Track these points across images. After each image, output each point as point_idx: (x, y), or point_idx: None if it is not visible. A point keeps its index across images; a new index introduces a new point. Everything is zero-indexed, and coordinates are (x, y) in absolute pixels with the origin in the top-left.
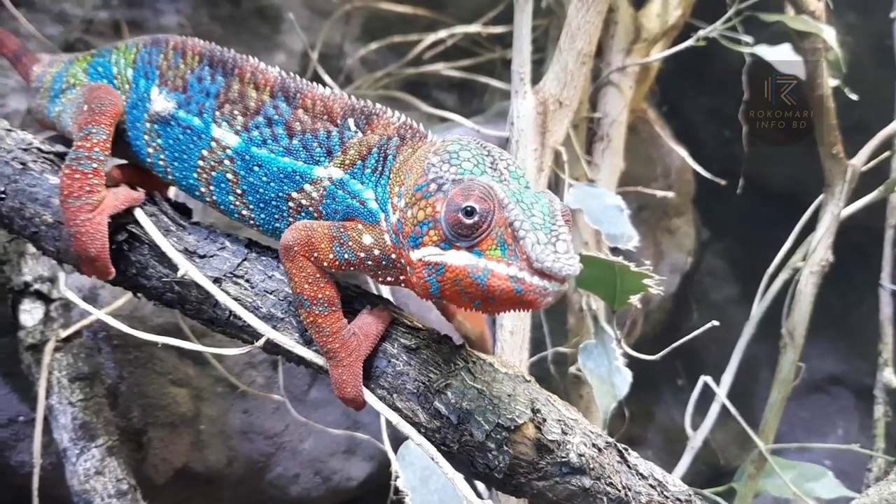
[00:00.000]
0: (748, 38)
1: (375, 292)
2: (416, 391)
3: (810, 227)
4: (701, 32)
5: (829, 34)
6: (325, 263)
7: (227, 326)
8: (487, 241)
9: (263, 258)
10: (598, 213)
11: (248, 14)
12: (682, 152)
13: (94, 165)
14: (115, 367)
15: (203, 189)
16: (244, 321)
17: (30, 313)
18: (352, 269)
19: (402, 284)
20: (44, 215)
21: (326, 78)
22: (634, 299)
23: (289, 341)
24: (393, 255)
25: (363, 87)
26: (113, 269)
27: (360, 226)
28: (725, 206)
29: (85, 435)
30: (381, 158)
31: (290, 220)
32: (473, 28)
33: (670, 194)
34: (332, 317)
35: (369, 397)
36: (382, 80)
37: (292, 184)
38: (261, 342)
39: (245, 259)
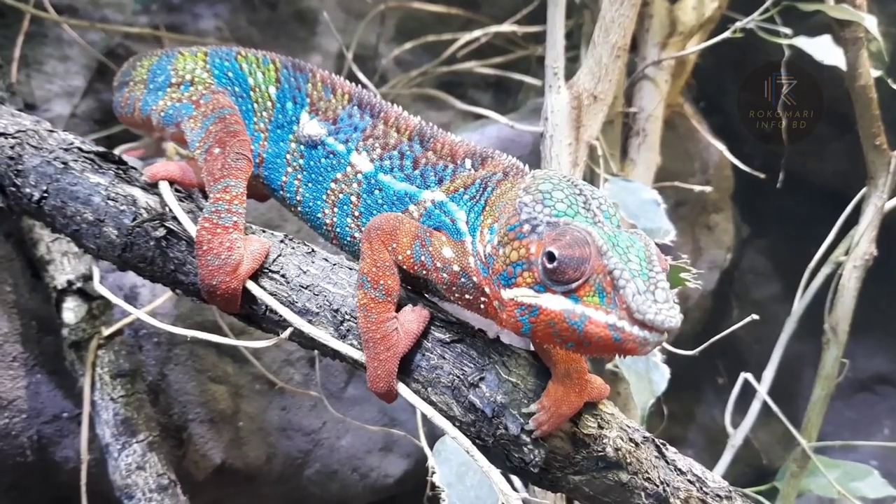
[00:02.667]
0: (787, 30)
1: None
2: (450, 385)
3: (853, 221)
4: (738, 24)
5: (871, 22)
6: (400, 257)
7: (263, 321)
8: (585, 288)
9: (299, 254)
10: (635, 207)
11: (286, 17)
12: (720, 146)
13: (235, 219)
14: (156, 364)
15: (327, 210)
16: (280, 316)
17: (72, 311)
18: (424, 273)
19: (481, 310)
20: (84, 213)
21: (362, 77)
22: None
23: (324, 334)
24: (475, 279)
25: (398, 87)
26: (239, 306)
27: (444, 237)
28: (766, 202)
29: (126, 430)
30: (482, 189)
31: None
32: (507, 27)
33: (708, 189)
34: (384, 305)
35: (403, 390)
36: (417, 80)
37: (401, 205)
38: (287, 333)
39: (280, 255)
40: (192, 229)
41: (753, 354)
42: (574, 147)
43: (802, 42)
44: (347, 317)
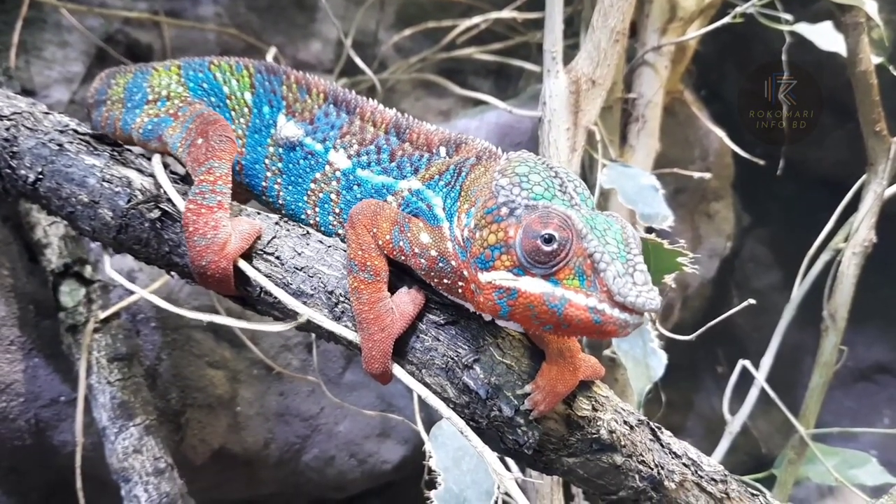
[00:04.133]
0: (787, 16)
1: None
2: (444, 366)
3: (853, 208)
4: (738, 9)
5: (871, 7)
6: (380, 242)
7: (259, 304)
8: (565, 271)
9: (293, 236)
10: (633, 193)
11: (285, 3)
12: (720, 133)
13: (219, 198)
14: (154, 349)
15: (309, 211)
16: (275, 297)
17: (69, 295)
18: (403, 259)
19: (459, 294)
20: (80, 195)
21: (361, 64)
22: (669, 279)
23: (318, 316)
24: (454, 263)
25: (398, 73)
26: (234, 288)
27: (421, 223)
28: (767, 191)
29: (123, 414)
30: (456, 174)
31: None
32: (507, 13)
33: (707, 175)
34: (374, 286)
35: (398, 371)
36: (416, 66)
37: (379, 198)
38: (303, 319)
39: (275, 236)
40: None
41: (753, 343)
42: (572, 132)
43: (803, 28)
44: (342, 298)
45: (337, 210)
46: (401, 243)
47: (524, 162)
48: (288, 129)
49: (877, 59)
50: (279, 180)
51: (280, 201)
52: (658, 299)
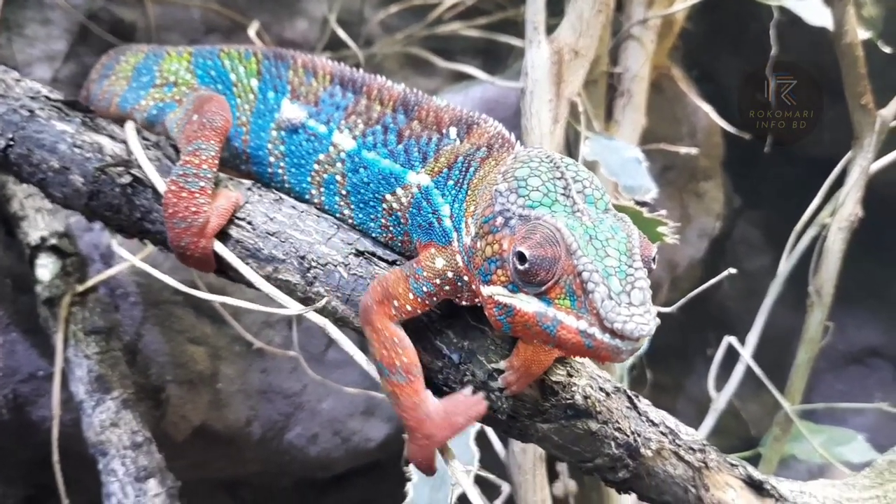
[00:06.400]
0: None
1: None
2: (415, 330)
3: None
4: None
5: None
6: (408, 307)
7: (229, 270)
8: (556, 290)
9: (266, 201)
10: (616, 165)
11: None
12: (707, 108)
13: (202, 184)
14: (133, 324)
15: (314, 191)
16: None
17: (46, 268)
18: (434, 300)
19: (476, 305)
20: (50, 161)
21: (347, 39)
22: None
23: (292, 277)
24: (465, 277)
25: (384, 48)
26: (214, 265)
27: (432, 250)
28: (759, 173)
29: (100, 387)
30: (464, 170)
31: (383, 220)
32: None
33: (694, 150)
34: (409, 388)
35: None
36: (402, 42)
37: (388, 186)
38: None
39: (247, 202)
40: (155, 176)
41: (744, 326)
42: (555, 103)
43: (791, 3)
44: (314, 263)
45: (344, 192)
46: (424, 289)
47: (527, 163)
48: (290, 111)
49: (864, 34)
50: (282, 164)
51: (286, 185)
52: (653, 323)
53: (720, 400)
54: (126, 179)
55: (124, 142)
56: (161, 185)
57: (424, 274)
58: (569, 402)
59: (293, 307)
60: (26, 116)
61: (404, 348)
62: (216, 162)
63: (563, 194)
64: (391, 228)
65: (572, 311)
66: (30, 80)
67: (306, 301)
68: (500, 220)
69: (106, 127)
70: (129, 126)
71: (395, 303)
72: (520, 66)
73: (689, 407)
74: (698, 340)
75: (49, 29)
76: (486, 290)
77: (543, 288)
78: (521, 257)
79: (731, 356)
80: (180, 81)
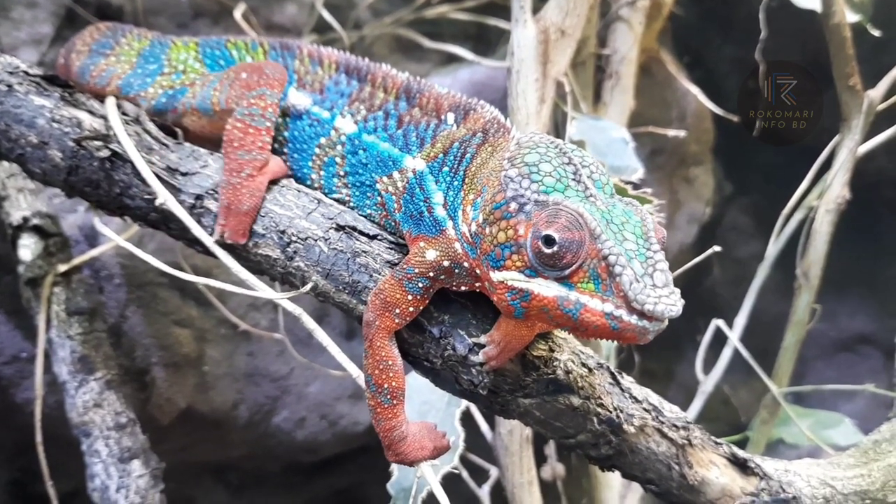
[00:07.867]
0: None
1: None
2: None
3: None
4: None
5: None
6: (411, 309)
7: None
8: (579, 274)
9: None
10: (603, 145)
11: None
12: (696, 90)
13: (268, 124)
14: (118, 306)
15: (314, 175)
16: None
17: (28, 248)
18: (431, 292)
19: (478, 290)
20: (29, 136)
21: (334, 24)
22: None
23: (272, 252)
24: (466, 264)
25: (373, 31)
26: (247, 235)
27: (421, 244)
28: (749, 160)
29: (84, 368)
30: (460, 156)
31: (379, 200)
32: None
33: (682, 133)
34: (391, 411)
35: None
36: (392, 26)
37: (385, 169)
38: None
39: None
40: (133, 151)
41: (734, 313)
42: (541, 83)
43: None
44: (294, 238)
45: (342, 173)
46: (420, 285)
47: (534, 148)
48: (294, 97)
49: (853, 17)
50: (285, 150)
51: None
52: (681, 303)
53: (708, 383)
54: (104, 154)
55: (104, 117)
56: (140, 161)
57: (416, 271)
58: (550, 376)
59: (268, 292)
60: (4, 91)
61: (395, 372)
62: (278, 110)
63: (575, 179)
64: (387, 212)
65: (597, 295)
66: (8, 55)
67: (286, 276)
68: (513, 205)
69: (85, 102)
70: (110, 101)
71: (397, 310)
72: (507, 48)
73: (679, 393)
74: (688, 327)
75: (35, 12)
76: (497, 276)
77: (567, 272)
78: (549, 241)
79: (721, 341)
80: (189, 70)
